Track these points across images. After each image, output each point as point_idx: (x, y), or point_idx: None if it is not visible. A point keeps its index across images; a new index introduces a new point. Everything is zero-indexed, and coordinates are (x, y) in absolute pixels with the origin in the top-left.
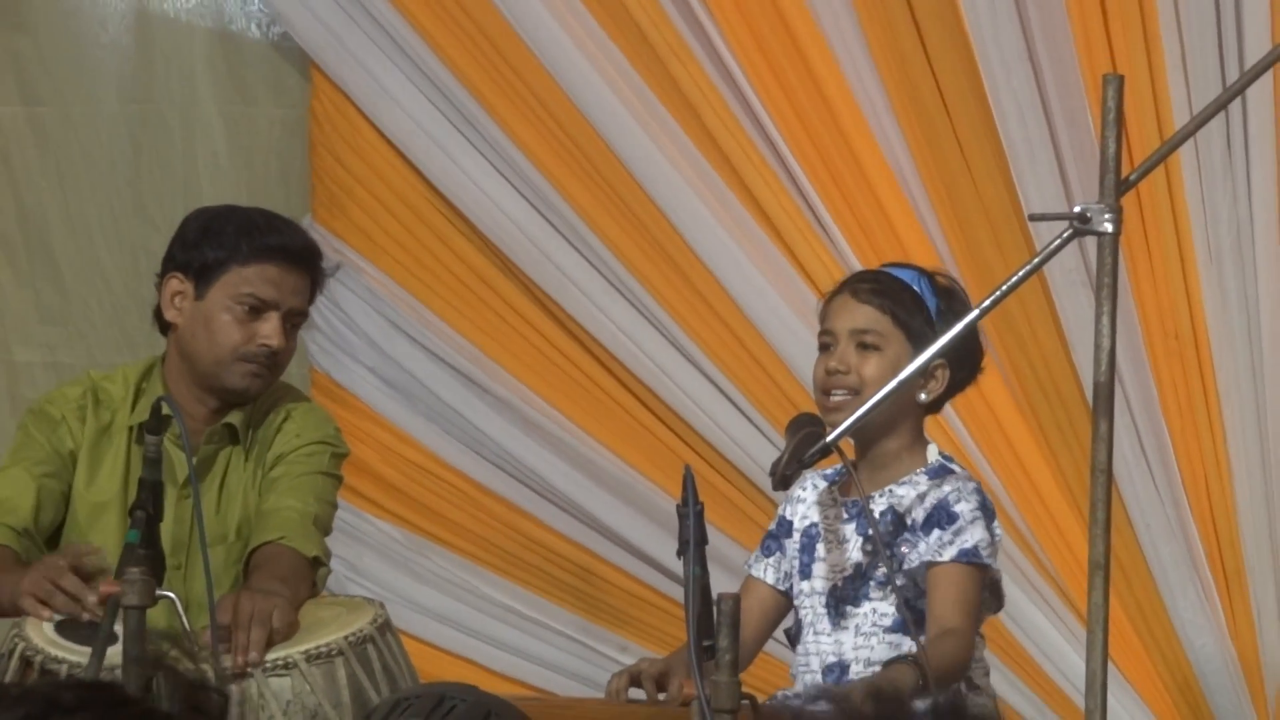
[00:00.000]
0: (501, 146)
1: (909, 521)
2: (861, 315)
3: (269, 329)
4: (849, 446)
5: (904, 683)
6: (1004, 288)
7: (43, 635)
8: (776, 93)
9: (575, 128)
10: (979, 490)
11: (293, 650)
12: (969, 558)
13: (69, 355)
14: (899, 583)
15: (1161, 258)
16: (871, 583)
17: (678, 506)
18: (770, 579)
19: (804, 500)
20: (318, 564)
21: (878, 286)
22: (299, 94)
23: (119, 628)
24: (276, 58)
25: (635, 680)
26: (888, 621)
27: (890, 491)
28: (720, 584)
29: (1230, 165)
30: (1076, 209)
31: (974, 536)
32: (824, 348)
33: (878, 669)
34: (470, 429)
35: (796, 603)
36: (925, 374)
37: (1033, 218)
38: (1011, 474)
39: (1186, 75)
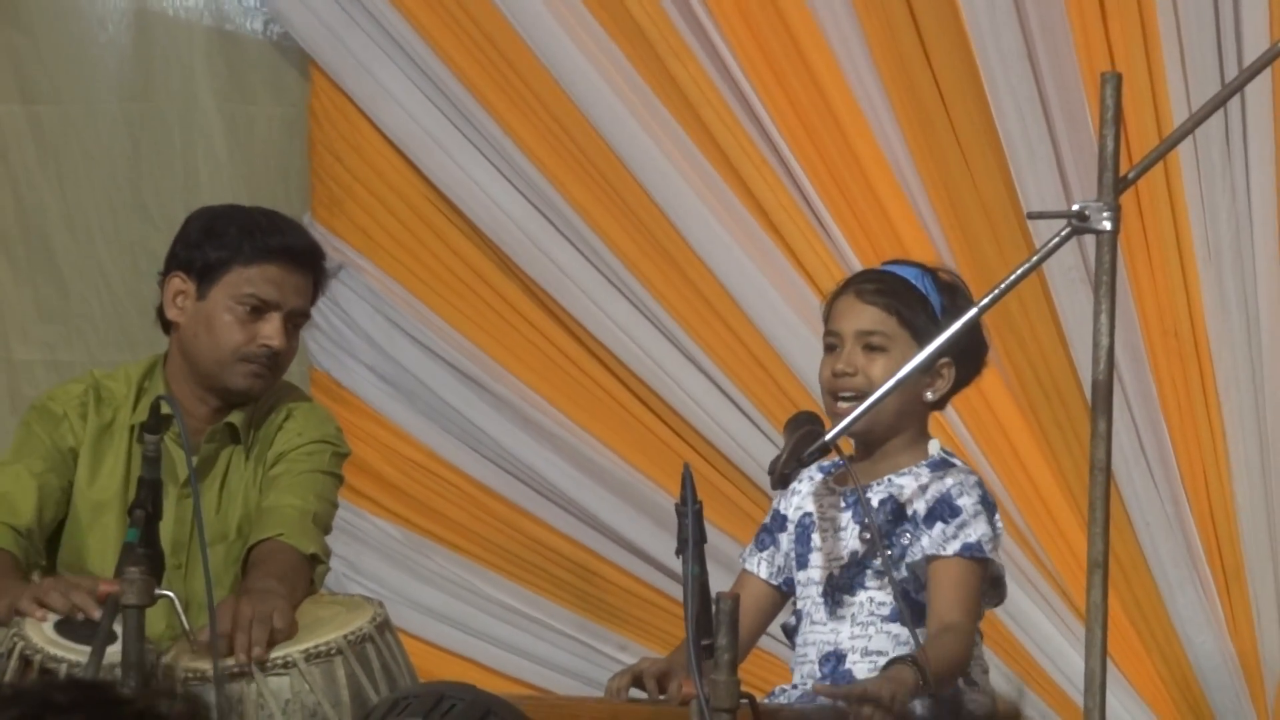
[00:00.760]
0: (501, 145)
1: (910, 512)
2: (867, 316)
3: (270, 329)
4: (847, 441)
5: (905, 684)
6: (1003, 286)
7: (42, 634)
8: (775, 91)
9: (574, 126)
10: (980, 484)
11: (292, 649)
12: (972, 552)
13: (68, 353)
14: (901, 575)
15: (1160, 255)
16: (868, 572)
17: (677, 505)
18: (764, 573)
19: (799, 492)
20: (316, 561)
21: (882, 286)
22: (298, 92)
23: (118, 627)
24: (276, 56)
25: (637, 680)
26: (885, 611)
27: (890, 481)
28: (719, 582)
29: (1229, 163)
30: (1075, 207)
31: (977, 531)
32: (830, 349)
33: (875, 659)
34: (470, 427)
35: (796, 593)
36: (931, 372)
37: (1031, 215)
38: (1011, 472)
39: (1185, 73)
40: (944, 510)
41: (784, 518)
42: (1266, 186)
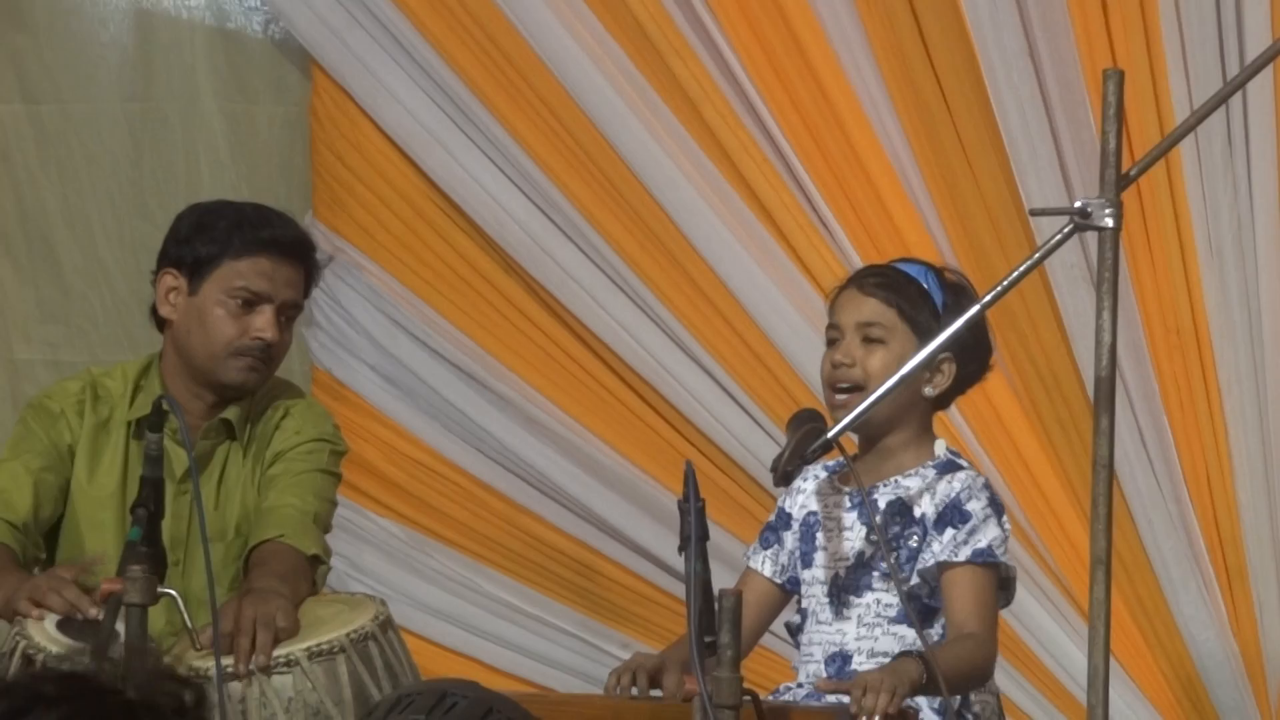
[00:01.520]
0: (502, 143)
1: (917, 514)
2: (867, 308)
3: (263, 322)
4: (851, 441)
5: (907, 676)
6: (1005, 283)
7: (44, 633)
8: (777, 89)
9: (576, 125)
10: (988, 486)
11: (294, 648)
12: (984, 558)
13: (70, 353)
14: (912, 581)
15: (1162, 252)
16: (874, 573)
17: (679, 502)
18: (768, 571)
19: (803, 491)
20: (317, 562)
21: (884, 280)
22: (300, 91)
23: (120, 625)
24: (277, 55)
25: (633, 679)
26: (891, 612)
27: (896, 483)
28: (722, 580)
29: (1231, 160)
30: (1077, 204)
31: (987, 535)
32: (831, 342)
33: (881, 660)
34: (471, 426)
35: (800, 592)
36: (931, 368)
37: (1033, 213)
38: (1013, 469)
39: (1187, 70)
40: (954, 515)
41: (789, 516)
42: (1268, 183)
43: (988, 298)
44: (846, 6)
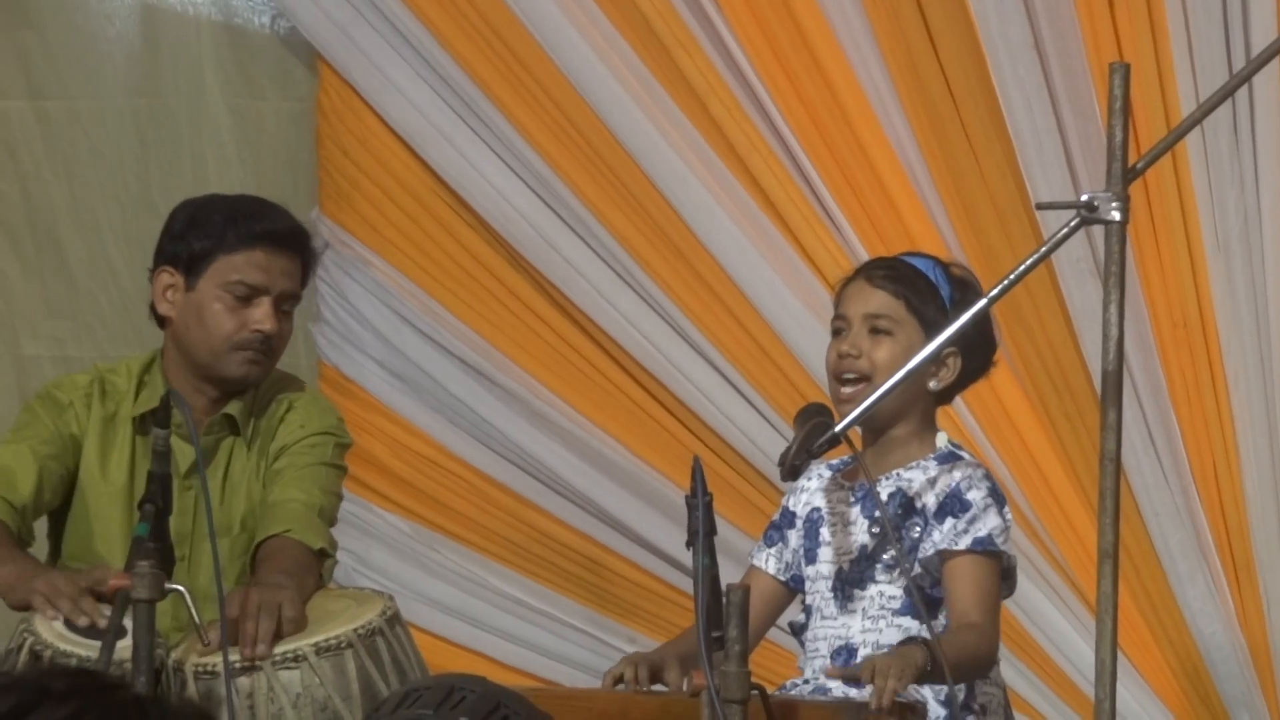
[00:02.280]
0: (508, 139)
1: (919, 505)
2: (875, 300)
3: (261, 314)
4: (857, 435)
5: (912, 663)
6: (1011, 277)
7: (51, 630)
8: (783, 83)
9: (582, 119)
10: (989, 476)
11: (302, 643)
12: (984, 546)
13: (77, 349)
14: (914, 571)
15: (1169, 246)
16: (878, 566)
17: (686, 497)
18: (772, 569)
19: (807, 489)
20: (324, 556)
21: (892, 273)
22: (306, 87)
23: (128, 621)
24: (283, 51)
25: (633, 675)
26: (896, 605)
27: (898, 475)
28: (729, 575)
29: (1237, 153)
30: (1083, 198)
31: (988, 524)
32: (837, 332)
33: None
34: (478, 421)
35: (805, 588)
36: (936, 362)
37: (1040, 206)
38: (1020, 463)
39: (1193, 63)
40: (954, 505)
41: (793, 514)
42: (1275, 176)
43: (994, 291)
44: (852, 1)
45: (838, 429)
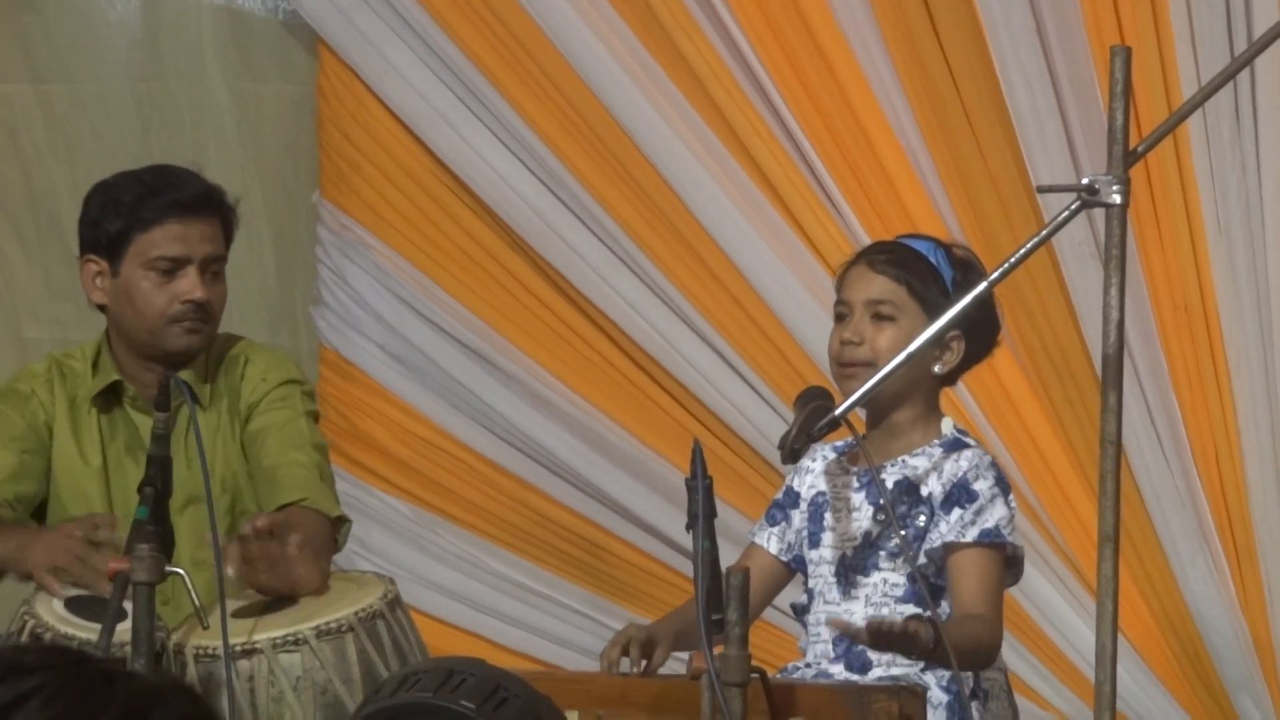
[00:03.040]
0: (509, 122)
1: (924, 493)
2: (877, 286)
3: (189, 284)
4: (859, 418)
5: (917, 637)
6: (1012, 260)
7: (52, 612)
8: (784, 67)
9: (583, 103)
10: (994, 465)
11: (302, 626)
12: (991, 538)
13: (78, 332)
14: (920, 562)
15: (1170, 229)
16: (882, 552)
17: (686, 480)
18: (773, 548)
19: (812, 470)
20: (342, 521)
21: (894, 257)
22: (307, 71)
23: (128, 604)
24: (284, 35)
25: (625, 650)
26: (899, 591)
27: (904, 462)
28: (729, 558)
29: (1239, 136)
30: (1085, 181)
31: (995, 515)
32: (839, 318)
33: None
34: (479, 404)
35: (807, 572)
36: (940, 345)
37: (1041, 189)
38: (1021, 447)
39: (1194, 46)
40: (961, 495)
41: (797, 495)
42: (1276, 159)
43: (995, 275)
44: None
45: (838, 412)
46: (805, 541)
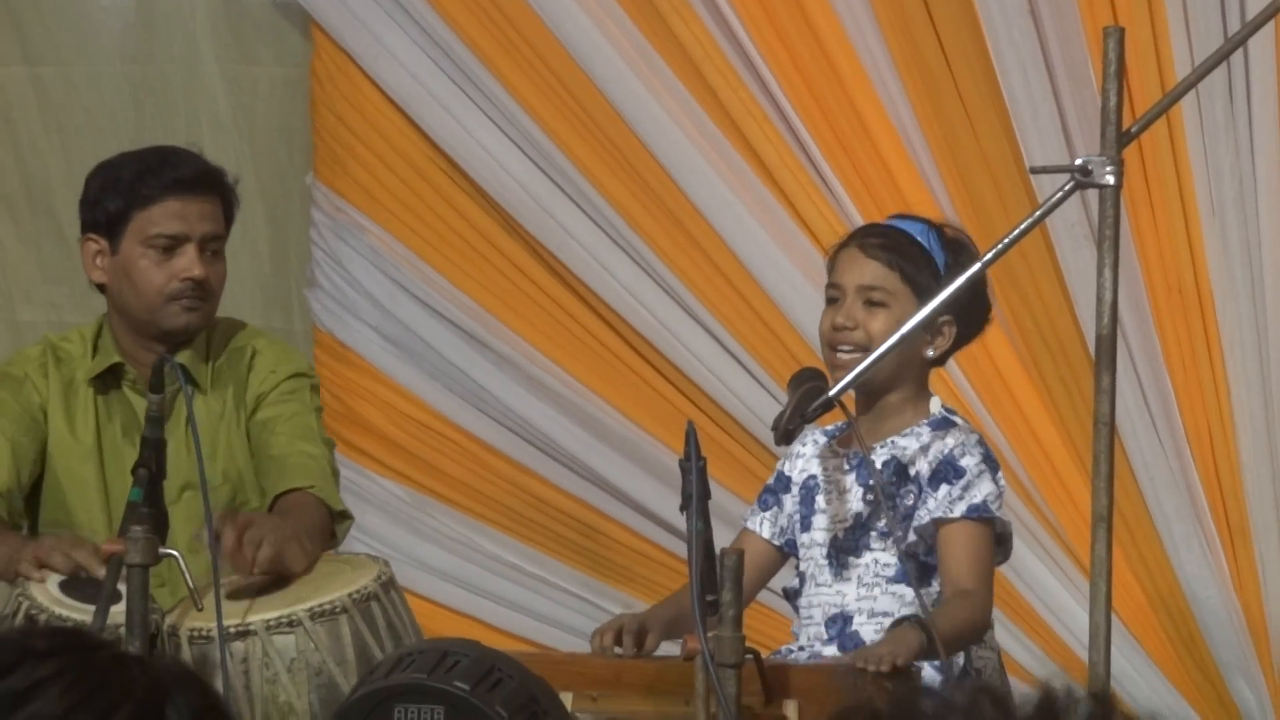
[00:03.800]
0: (503, 104)
1: (912, 472)
2: (869, 271)
3: (187, 262)
4: (851, 400)
5: (909, 646)
6: (1006, 241)
7: (47, 594)
8: (778, 48)
9: (577, 85)
10: (982, 442)
11: (296, 608)
12: (979, 513)
13: (73, 314)
14: (910, 539)
15: (1164, 210)
16: (872, 533)
17: (681, 461)
18: (766, 533)
19: (803, 455)
20: (344, 518)
21: (886, 241)
22: (300, 53)
23: (123, 586)
24: (277, 17)
25: (618, 638)
26: (890, 572)
27: (892, 443)
28: (723, 539)
29: (1232, 117)
30: (1078, 162)
31: (982, 490)
32: (831, 301)
33: (881, 620)
34: (473, 386)
35: (799, 555)
36: (933, 330)
37: (1034, 170)
38: (1014, 427)
39: (1188, 27)
40: (948, 472)
41: (788, 479)
42: (1270, 140)
43: (989, 256)
44: None
45: (832, 393)
46: (797, 525)
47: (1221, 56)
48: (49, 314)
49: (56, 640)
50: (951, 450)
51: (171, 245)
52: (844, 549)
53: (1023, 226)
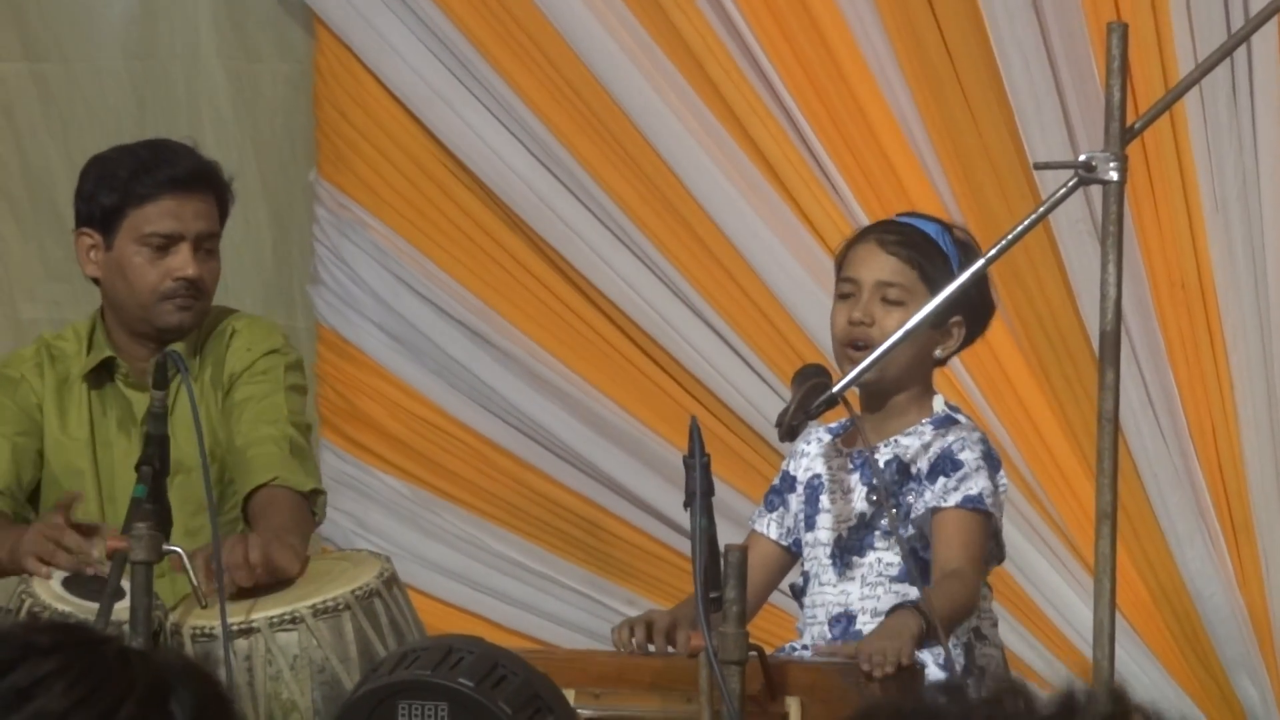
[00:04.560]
0: (506, 100)
1: (914, 471)
2: (888, 267)
3: (181, 260)
4: (855, 398)
5: (908, 633)
6: (1009, 237)
7: (50, 591)
8: (781, 43)
9: (580, 81)
10: (984, 440)
11: (299, 605)
12: (974, 504)
13: (74, 312)
14: (907, 532)
15: (1167, 206)
16: (876, 532)
17: (684, 458)
18: (773, 534)
19: (807, 454)
20: (316, 494)
21: (905, 239)
22: (303, 49)
23: (126, 582)
24: (280, 13)
25: (646, 635)
26: (893, 571)
27: (895, 441)
28: (727, 536)
29: (1235, 113)
30: (1082, 158)
31: (978, 484)
32: (844, 295)
33: (884, 619)
34: (476, 383)
35: (803, 554)
36: (944, 330)
37: (1038, 166)
38: (1018, 424)
39: (1191, 23)
40: (945, 465)
41: (793, 479)
42: (1273, 136)
43: (992, 252)
44: None
45: (835, 389)
46: (801, 524)
47: (1225, 53)
48: (51, 311)
49: (59, 636)
50: (951, 444)
51: (165, 244)
52: (848, 548)
53: (1026, 223)
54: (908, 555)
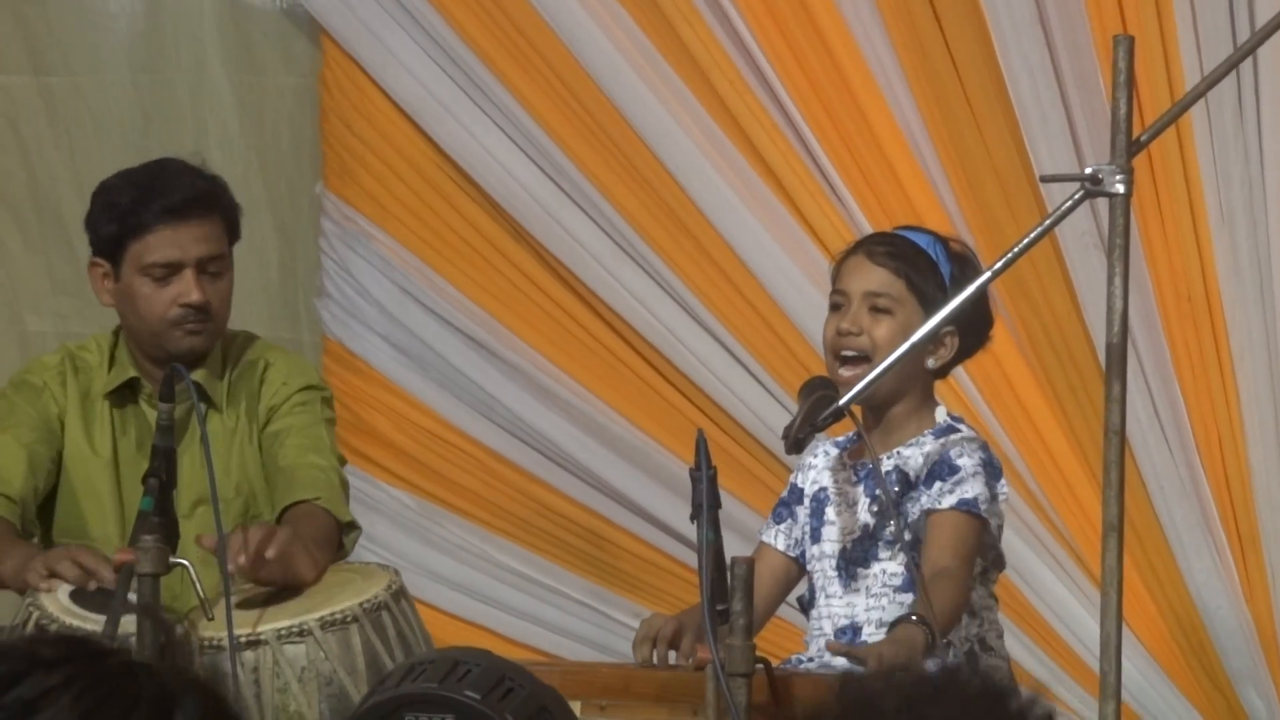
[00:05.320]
0: (512, 112)
1: (914, 480)
2: (876, 278)
3: (184, 287)
4: (858, 414)
5: (916, 645)
6: (1015, 250)
7: (57, 603)
8: (786, 55)
9: (585, 93)
10: (985, 448)
11: (307, 617)
12: (966, 507)
13: (81, 325)
14: (906, 538)
15: (1173, 219)
16: (880, 543)
17: (690, 470)
18: (781, 545)
19: (814, 466)
20: (352, 528)
21: (893, 249)
22: (309, 62)
23: (133, 595)
24: (286, 25)
25: (673, 643)
26: (898, 581)
27: (898, 453)
28: (733, 549)
29: (1242, 126)
30: (1088, 170)
31: (973, 489)
32: (835, 307)
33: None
34: (482, 395)
35: (809, 567)
36: (935, 340)
37: (1044, 179)
38: (1024, 436)
39: (1197, 36)
40: (942, 469)
41: (800, 491)
42: (1279, 149)
43: (998, 265)
44: None
45: (842, 402)
46: (808, 537)
47: (1231, 65)
48: (57, 324)
49: (65, 648)
50: (949, 451)
51: (167, 274)
52: (853, 560)
53: (1032, 235)
54: (911, 565)
